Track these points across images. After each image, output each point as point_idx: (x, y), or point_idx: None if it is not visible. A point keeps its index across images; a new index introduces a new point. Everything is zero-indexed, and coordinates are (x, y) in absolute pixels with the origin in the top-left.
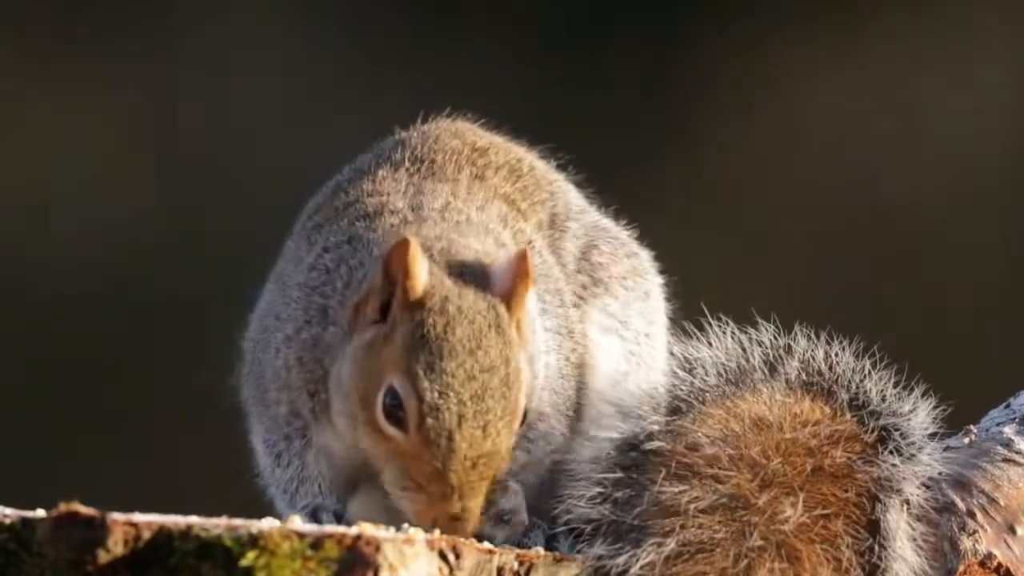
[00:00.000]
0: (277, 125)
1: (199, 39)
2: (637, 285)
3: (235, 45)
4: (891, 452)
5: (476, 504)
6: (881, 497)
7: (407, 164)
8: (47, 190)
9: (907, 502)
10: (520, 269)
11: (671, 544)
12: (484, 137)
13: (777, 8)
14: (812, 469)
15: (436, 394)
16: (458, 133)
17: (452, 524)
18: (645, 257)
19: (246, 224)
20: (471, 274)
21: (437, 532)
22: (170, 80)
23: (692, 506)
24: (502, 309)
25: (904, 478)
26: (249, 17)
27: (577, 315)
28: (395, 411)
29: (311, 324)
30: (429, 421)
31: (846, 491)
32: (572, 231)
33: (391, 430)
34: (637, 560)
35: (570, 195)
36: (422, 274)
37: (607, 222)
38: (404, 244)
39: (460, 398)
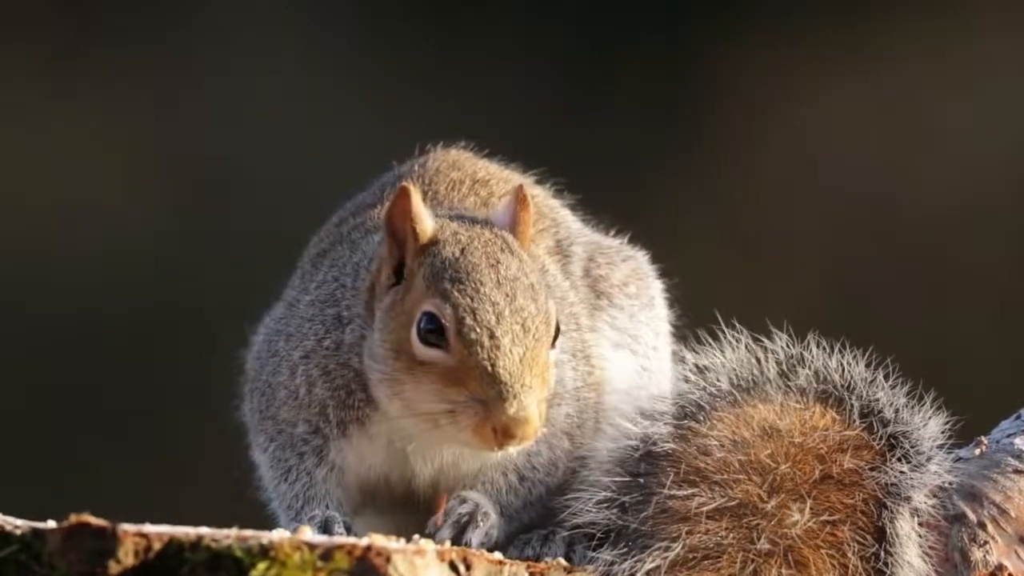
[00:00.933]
0: (289, 136)
1: (210, 52)
2: (640, 291)
3: (247, 59)
4: (900, 459)
5: (533, 403)
6: (889, 504)
7: None
8: (57, 198)
9: (916, 510)
10: (518, 198)
11: (677, 549)
12: (482, 167)
13: (787, 26)
14: (820, 476)
15: (469, 299)
16: (456, 164)
17: (511, 426)
18: (642, 258)
19: (257, 232)
20: (473, 219)
21: (498, 452)
22: (181, 93)
23: (700, 511)
24: (510, 236)
25: (913, 486)
26: (261, 31)
27: (593, 339)
28: (431, 334)
29: (329, 332)
30: (468, 322)
31: (853, 498)
32: (577, 255)
33: (431, 353)
34: (643, 565)
35: (569, 219)
36: (427, 216)
37: (598, 236)
38: (404, 192)
39: (493, 299)
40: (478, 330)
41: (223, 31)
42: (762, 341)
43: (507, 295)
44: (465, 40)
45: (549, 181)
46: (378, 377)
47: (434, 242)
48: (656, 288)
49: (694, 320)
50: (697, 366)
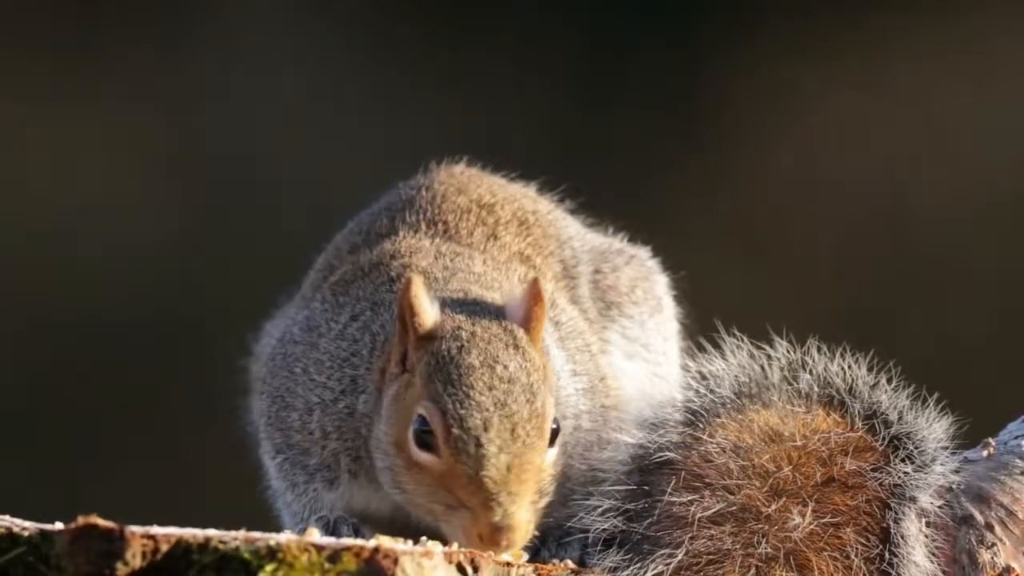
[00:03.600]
0: (292, 139)
1: (213, 55)
2: (646, 294)
3: (249, 62)
4: (903, 460)
5: (519, 511)
6: (893, 505)
7: (424, 227)
8: (58, 201)
9: (923, 511)
10: (533, 293)
11: (680, 555)
12: (487, 188)
13: (792, 26)
14: (823, 479)
15: (458, 404)
16: (462, 188)
17: (496, 533)
18: (644, 256)
19: (260, 235)
20: (485, 309)
21: (490, 554)
22: (184, 96)
23: (702, 516)
24: (520, 332)
25: (918, 486)
26: (263, 33)
27: (607, 361)
28: (424, 436)
29: (345, 395)
30: (455, 431)
31: (856, 499)
32: (584, 275)
33: (424, 456)
34: (646, 572)
35: (571, 230)
36: (428, 308)
37: (599, 239)
38: (407, 283)
39: (482, 405)
40: (465, 439)
41: (226, 33)
42: (764, 348)
43: (497, 401)
44: (466, 40)
45: (552, 187)
46: (380, 466)
47: (433, 336)
48: (662, 286)
49: (697, 321)
50: (700, 373)
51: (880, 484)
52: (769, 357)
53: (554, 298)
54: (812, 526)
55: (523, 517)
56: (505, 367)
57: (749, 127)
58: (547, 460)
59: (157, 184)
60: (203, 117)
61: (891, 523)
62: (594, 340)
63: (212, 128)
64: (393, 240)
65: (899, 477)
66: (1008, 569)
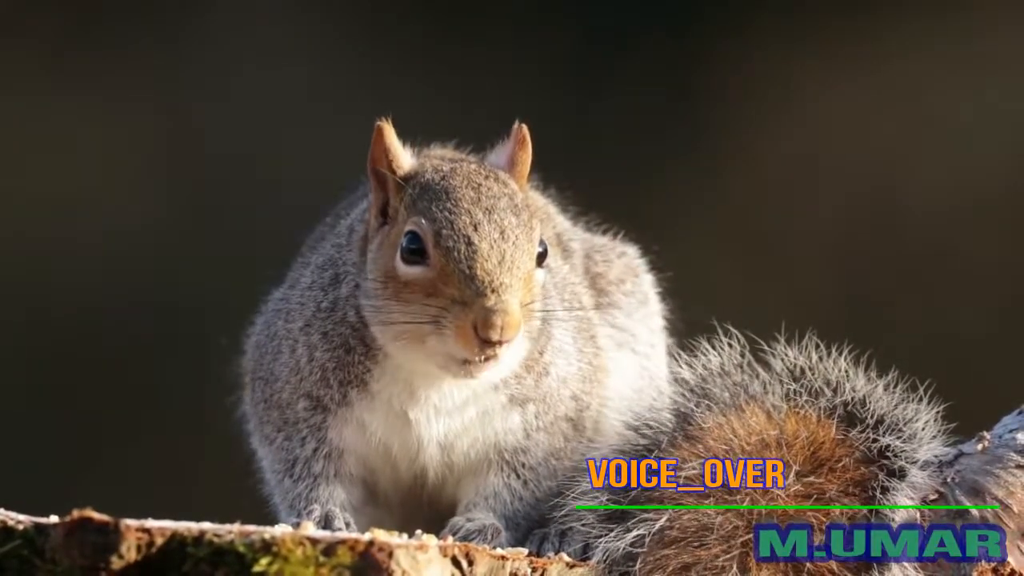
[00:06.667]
0: (290, 136)
1: (211, 51)
2: (634, 288)
3: (247, 58)
4: (886, 433)
5: (512, 299)
6: (880, 476)
7: None
8: (56, 197)
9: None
10: (518, 137)
11: (662, 520)
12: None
13: (790, 22)
14: (812, 464)
15: (447, 212)
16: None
17: (491, 316)
18: (633, 253)
19: (258, 231)
20: (461, 156)
21: (479, 356)
22: (182, 92)
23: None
24: (501, 172)
25: (904, 456)
26: (262, 30)
27: (597, 320)
28: (413, 253)
29: (327, 293)
30: (444, 232)
31: (843, 475)
32: (576, 252)
33: (413, 271)
34: (627, 535)
35: (559, 217)
36: (402, 151)
37: (590, 235)
38: (378, 132)
39: (471, 212)
40: (455, 237)
41: (224, 30)
42: (760, 343)
43: (486, 209)
44: (466, 37)
45: (537, 178)
46: (371, 312)
47: (415, 174)
48: (647, 283)
49: (693, 313)
50: (687, 370)
51: (867, 451)
52: (768, 357)
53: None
54: (796, 486)
55: (515, 305)
56: (489, 189)
57: (746, 120)
58: (537, 275)
59: (156, 181)
60: (202, 113)
61: (878, 492)
62: (585, 293)
63: (211, 124)
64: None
65: (884, 446)
66: (1003, 562)
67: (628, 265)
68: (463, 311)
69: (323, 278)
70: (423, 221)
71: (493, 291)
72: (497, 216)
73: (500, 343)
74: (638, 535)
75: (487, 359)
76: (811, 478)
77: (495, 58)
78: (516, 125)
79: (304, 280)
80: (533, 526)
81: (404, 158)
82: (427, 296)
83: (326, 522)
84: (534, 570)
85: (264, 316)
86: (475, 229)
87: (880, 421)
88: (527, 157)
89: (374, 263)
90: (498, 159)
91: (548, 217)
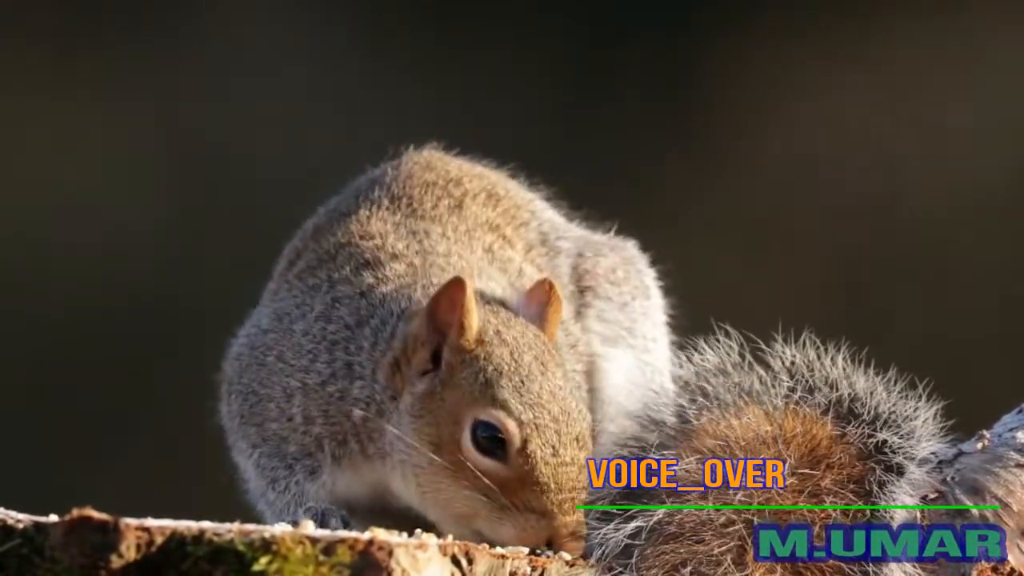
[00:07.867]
0: (290, 136)
1: (211, 52)
2: (629, 277)
3: (248, 58)
4: (882, 428)
5: (582, 516)
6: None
7: (387, 203)
8: (57, 197)
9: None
10: (550, 298)
11: (660, 514)
12: (455, 165)
13: (788, 22)
14: (809, 460)
15: (532, 415)
16: (430, 165)
17: (573, 541)
18: (631, 247)
19: (258, 232)
20: (501, 308)
21: (547, 555)
22: (182, 92)
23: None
24: (543, 335)
25: (902, 453)
26: (263, 31)
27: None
28: (491, 443)
29: (336, 379)
30: (534, 441)
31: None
32: (566, 250)
33: (487, 462)
34: (625, 527)
35: (548, 212)
36: (477, 311)
37: (587, 232)
38: (458, 285)
39: (553, 415)
40: (542, 448)
41: (225, 30)
42: (758, 342)
43: (562, 410)
44: (466, 37)
45: (521, 175)
46: (410, 467)
47: (480, 340)
48: (650, 276)
49: (692, 311)
50: (690, 371)
51: (863, 445)
52: (769, 358)
53: (521, 267)
54: (790, 480)
55: (584, 525)
56: (553, 374)
57: (746, 119)
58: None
59: (156, 181)
60: (203, 113)
61: (875, 487)
62: (582, 341)
63: (211, 124)
64: (357, 219)
65: (881, 441)
66: (1002, 561)
67: (623, 258)
68: (539, 522)
69: (333, 357)
70: (508, 419)
71: (571, 512)
72: (571, 418)
73: None
74: (636, 527)
75: None
76: (807, 470)
77: (495, 58)
78: (546, 282)
79: (299, 333)
80: None
81: (476, 319)
82: (498, 486)
83: (322, 520)
84: (534, 569)
85: (250, 335)
86: (559, 438)
87: (878, 417)
88: (558, 318)
89: (420, 417)
90: (528, 311)
91: (532, 215)
